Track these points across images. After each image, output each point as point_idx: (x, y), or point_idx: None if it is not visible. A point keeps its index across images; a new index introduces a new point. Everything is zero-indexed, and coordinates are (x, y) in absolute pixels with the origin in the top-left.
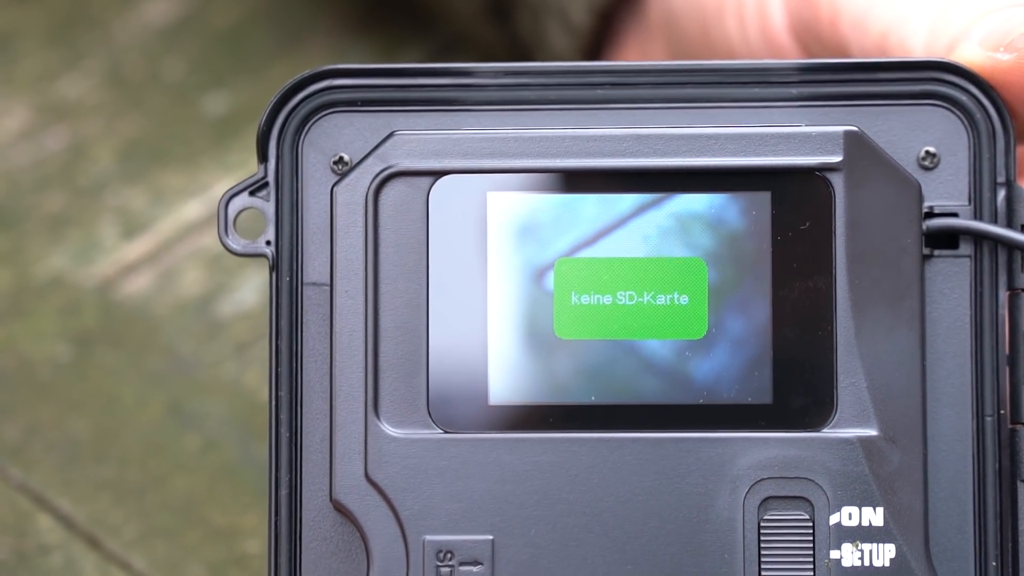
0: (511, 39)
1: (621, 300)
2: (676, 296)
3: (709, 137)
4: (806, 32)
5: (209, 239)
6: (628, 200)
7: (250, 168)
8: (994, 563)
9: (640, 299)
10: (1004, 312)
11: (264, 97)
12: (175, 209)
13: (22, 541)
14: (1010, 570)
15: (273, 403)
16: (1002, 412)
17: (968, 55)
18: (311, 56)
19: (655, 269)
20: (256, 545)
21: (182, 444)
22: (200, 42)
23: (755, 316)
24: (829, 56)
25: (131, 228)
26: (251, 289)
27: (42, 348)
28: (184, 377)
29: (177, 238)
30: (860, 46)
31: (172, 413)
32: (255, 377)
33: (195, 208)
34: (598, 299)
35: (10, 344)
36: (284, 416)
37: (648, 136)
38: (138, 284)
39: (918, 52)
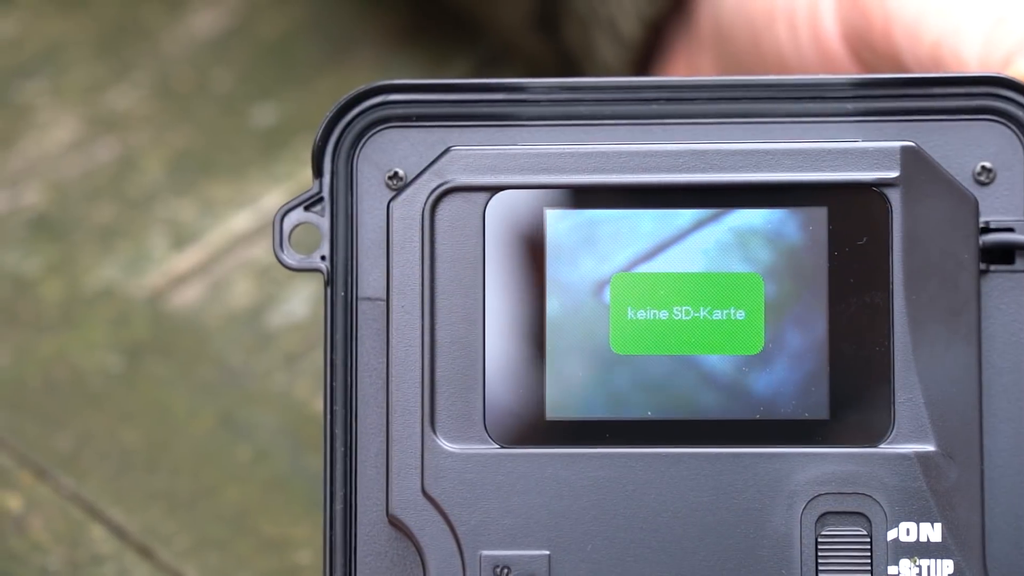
0: (558, 50)
1: (677, 315)
2: (733, 311)
3: (766, 152)
4: (858, 40)
5: (258, 250)
6: (685, 215)
7: (298, 179)
8: None
9: (696, 314)
10: None
11: (311, 108)
12: (224, 220)
13: (75, 551)
14: None
15: (328, 417)
16: None
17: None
18: (358, 67)
19: (711, 284)
20: (308, 556)
21: (233, 455)
22: (247, 53)
23: (812, 331)
24: (881, 64)
25: (180, 239)
26: (300, 300)
27: (93, 359)
28: (234, 388)
29: (226, 249)
30: (913, 55)
31: (223, 424)
32: (305, 388)
33: (244, 219)
34: (654, 314)
35: (62, 355)
36: (339, 431)
37: (705, 151)
38: (188, 295)
39: (972, 63)
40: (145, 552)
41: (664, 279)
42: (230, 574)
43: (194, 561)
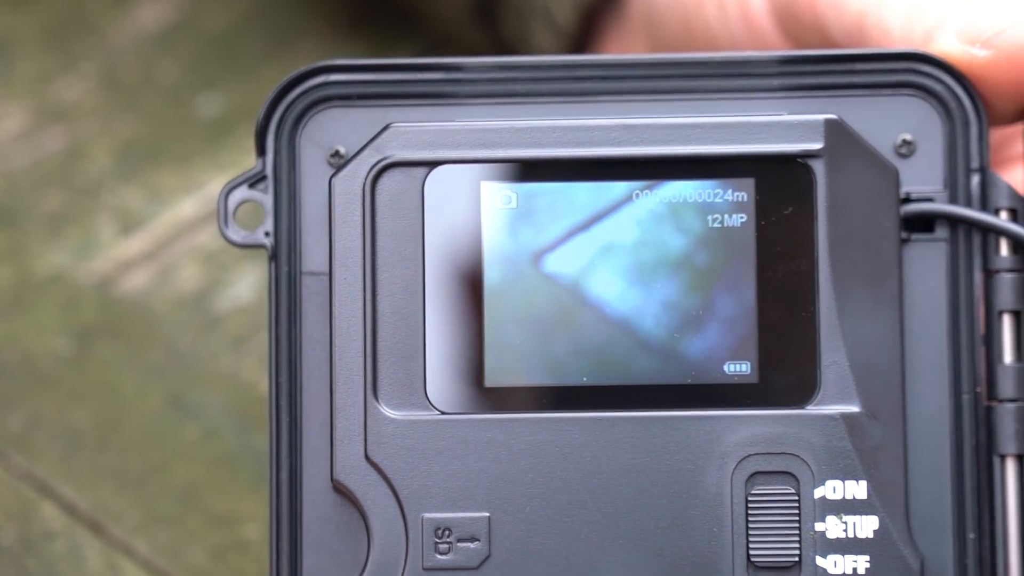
0: (496, 40)
1: (612, 284)
2: (666, 280)
3: (695, 126)
4: (785, 13)
5: (205, 236)
6: (619, 188)
7: (243, 166)
8: (972, 535)
9: (632, 283)
10: (979, 293)
11: (256, 98)
12: (171, 207)
13: (27, 528)
14: (988, 541)
15: (273, 389)
16: (978, 390)
17: (945, 46)
18: (302, 58)
19: (647, 253)
20: (255, 530)
21: (182, 434)
22: (193, 45)
23: (741, 298)
24: (808, 35)
25: (128, 226)
26: (247, 284)
27: (43, 342)
28: (183, 370)
29: (174, 235)
30: (839, 25)
31: (172, 404)
32: (252, 369)
33: (190, 206)
34: (588, 283)
35: (12, 338)
36: (284, 402)
37: (636, 126)
38: (136, 280)
39: (895, 35)
40: (96, 528)
41: (599, 249)
42: (180, 549)
43: (144, 537)
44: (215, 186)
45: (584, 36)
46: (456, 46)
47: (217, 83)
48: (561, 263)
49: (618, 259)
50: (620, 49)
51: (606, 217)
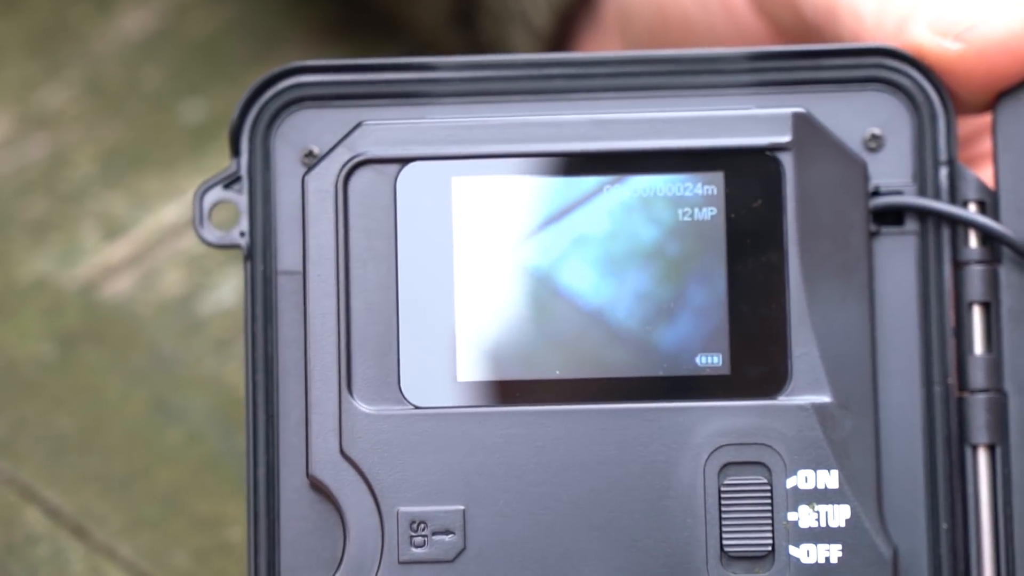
0: (475, 45)
1: (584, 276)
2: (638, 272)
3: (664, 121)
4: None
5: (188, 241)
6: (590, 182)
7: None
8: (945, 525)
9: (603, 275)
10: (949, 285)
11: None
12: (154, 213)
13: (10, 533)
14: (960, 532)
15: (249, 388)
16: (949, 381)
17: (916, 37)
18: (284, 63)
19: (618, 245)
20: (239, 533)
21: (165, 437)
22: (176, 52)
23: (712, 291)
24: (781, 13)
25: (112, 231)
26: (229, 288)
27: (27, 347)
28: (166, 374)
29: (157, 240)
30: (811, 4)
31: (155, 408)
32: (235, 372)
33: (174, 211)
34: (560, 276)
35: None
36: (260, 400)
37: (606, 121)
38: (120, 285)
39: (867, 20)
40: (80, 532)
41: (571, 241)
42: (163, 552)
43: (128, 540)
44: None
45: (561, 39)
46: (436, 51)
47: (200, 89)
48: (533, 255)
49: (590, 251)
50: (594, 48)
51: (576, 208)
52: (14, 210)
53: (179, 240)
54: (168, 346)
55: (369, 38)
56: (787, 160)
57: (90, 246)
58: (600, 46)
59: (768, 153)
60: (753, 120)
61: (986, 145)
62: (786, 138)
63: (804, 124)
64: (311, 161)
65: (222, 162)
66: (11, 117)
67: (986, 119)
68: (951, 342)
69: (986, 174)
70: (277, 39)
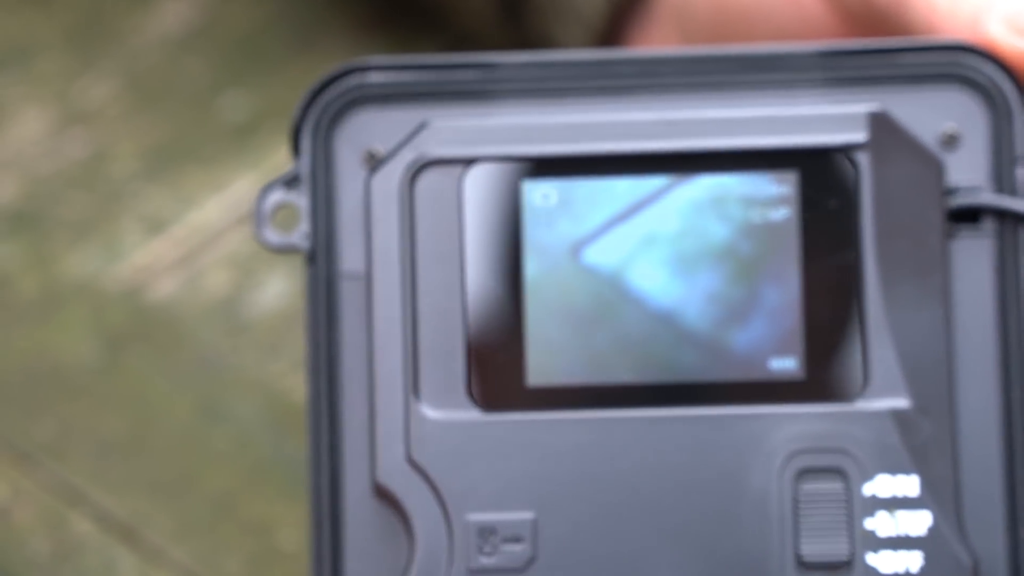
0: (521, 37)
1: (654, 276)
2: (709, 272)
3: (737, 120)
4: None
5: (234, 239)
6: (659, 181)
7: (271, 166)
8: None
9: (673, 275)
10: None
11: (282, 97)
12: (198, 210)
13: (60, 539)
14: None
15: (312, 393)
16: None
17: (991, 32)
18: (326, 56)
19: (688, 244)
20: (291, 538)
21: (214, 442)
22: (217, 45)
23: (786, 292)
24: (851, 5)
25: (155, 230)
26: (277, 289)
27: (72, 350)
28: (214, 376)
29: (201, 238)
30: None
31: (203, 411)
32: (283, 375)
33: (218, 208)
34: (630, 276)
35: (40, 348)
36: (323, 405)
37: (676, 120)
38: (165, 286)
39: (939, 10)
40: (130, 538)
41: (642, 240)
42: (215, 558)
43: (179, 546)
44: (242, 187)
45: (612, 33)
46: (479, 43)
47: (242, 83)
48: (601, 255)
49: (659, 250)
50: (649, 42)
51: (646, 207)
52: (57, 209)
53: (225, 238)
54: (215, 349)
55: (412, 30)
56: (863, 159)
57: (134, 245)
58: (655, 40)
59: (844, 152)
60: (828, 119)
61: None
62: (862, 137)
63: (880, 123)
64: (373, 162)
65: (264, 157)
66: (52, 113)
67: None
68: None
69: None
70: (317, 31)
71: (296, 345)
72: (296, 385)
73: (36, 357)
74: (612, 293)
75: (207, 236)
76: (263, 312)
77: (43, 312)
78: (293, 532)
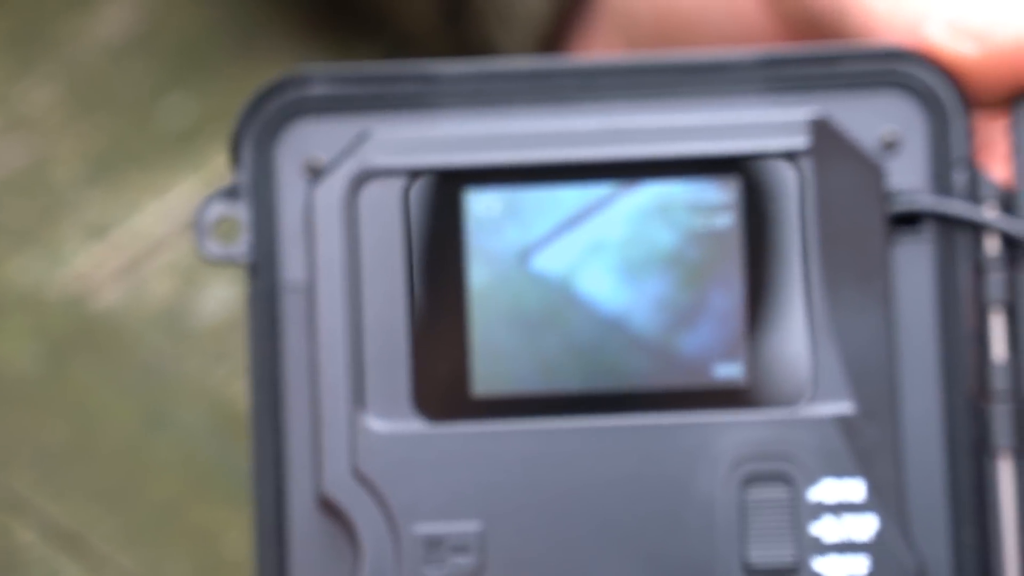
0: (461, 40)
1: (602, 282)
2: (659, 278)
3: (680, 128)
4: None
5: (177, 245)
6: (604, 189)
7: (214, 169)
8: (967, 537)
9: (621, 282)
10: (969, 289)
11: (223, 101)
12: (140, 215)
13: (3, 547)
14: (983, 541)
15: (254, 407)
16: (970, 388)
17: (933, 36)
18: (267, 60)
19: (635, 251)
20: (236, 545)
21: (159, 449)
22: (157, 50)
23: (731, 299)
24: (789, 7)
25: (97, 236)
26: (221, 295)
27: (14, 359)
28: (158, 384)
29: (144, 244)
30: None
31: (148, 419)
32: (227, 383)
33: (160, 216)
34: (577, 282)
35: None
36: (266, 418)
37: (620, 129)
38: (108, 293)
39: (878, 15)
40: (74, 546)
41: (585, 247)
42: (160, 566)
43: (124, 554)
44: (184, 194)
45: (555, 37)
46: (420, 46)
47: (181, 88)
48: (550, 262)
49: (607, 256)
50: (592, 47)
51: (593, 214)
52: None
53: (167, 247)
54: (159, 357)
55: (353, 33)
56: (804, 165)
57: (75, 252)
58: (598, 45)
59: (785, 158)
60: (769, 125)
61: (999, 145)
62: (803, 143)
63: (821, 128)
64: (314, 172)
65: (207, 160)
66: None
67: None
68: (971, 348)
69: (998, 173)
70: (259, 35)
71: (241, 352)
72: (241, 392)
73: None
74: (561, 299)
75: (150, 242)
76: (207, 319)
77: None
78: (239, 540)
